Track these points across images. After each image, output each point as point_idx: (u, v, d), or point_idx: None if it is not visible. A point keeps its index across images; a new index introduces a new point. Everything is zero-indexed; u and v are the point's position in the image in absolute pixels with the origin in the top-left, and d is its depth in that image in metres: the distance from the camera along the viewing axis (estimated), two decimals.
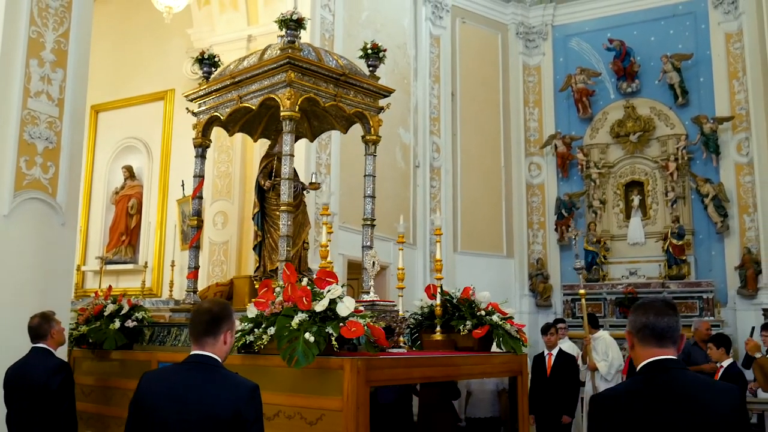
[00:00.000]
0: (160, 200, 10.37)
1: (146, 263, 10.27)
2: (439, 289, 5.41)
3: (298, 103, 5.07)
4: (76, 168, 5.72)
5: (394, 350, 4.81)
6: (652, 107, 12.73)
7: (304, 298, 3.90)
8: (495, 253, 12.98)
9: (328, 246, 5.25)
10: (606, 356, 7.59)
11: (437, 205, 12.05)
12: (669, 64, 12.37)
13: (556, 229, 13.10)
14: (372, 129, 5.61)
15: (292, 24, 5.17)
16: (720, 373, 6.18)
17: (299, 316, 3.85)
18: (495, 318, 5.16)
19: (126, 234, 10.60)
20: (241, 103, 5.43)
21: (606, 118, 13.07)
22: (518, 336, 5.20)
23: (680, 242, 11.73)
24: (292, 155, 5.17)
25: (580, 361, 7.75)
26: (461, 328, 5.16)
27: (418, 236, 11.76)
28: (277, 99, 5.12)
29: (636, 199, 12.61)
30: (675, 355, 2.31)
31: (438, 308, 5.32)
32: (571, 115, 13.41)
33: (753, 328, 9.39)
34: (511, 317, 5.26)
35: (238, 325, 4.07)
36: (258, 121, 6.24)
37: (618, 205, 12.83)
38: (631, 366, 6.44)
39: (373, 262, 5.21)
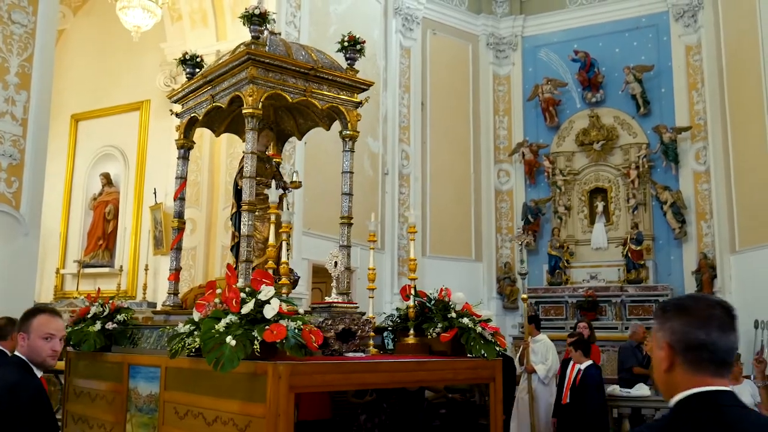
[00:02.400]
0: (135, 206, 10.81)
1: (122, 267, 10.72)
2: (412, 291, 5.09)
3: (261, 99, 4.88)
4: (39, 182, 6.15)
5: (352, 354, 4.55)
6: (616, 116, 13.19)
7: (234, 300, 3.80)
8: (464, 257, 13.43)
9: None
10: (545, 359, 7.76)
11: (406, 210, 12.49)
12: (631, 75, 12.82)
13: (523, 234, 13.54)
14: (349, 124, 5.34)
15: (256, 19, 5.01)
16: (579, 375, 6.73)
17: (227, 319, 3.74)
18: (465, 320, 4.82)
19: (103, 238, 11.04)
20: (213, 102, 5.29)
21: (572, 127, 13.52)
22: (493, 340, 4.84)
23: (639, 247, 12.19)
24: (254, 153, 4.99)
25: (517, 362, 8.09)
26: (430, 331, 4.88)
27: (387, 241, 12.21)
28: (241, 96, 4.96)
29: (600, 206, 13.08)
30: (729, 386, 1.70)
31: (411, 310, 5.04)
32: (539, 124, 13.87)
33: None
34: (486, 320, 4.96)
35: (182, 328, 4.14)
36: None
37: (583, 211, 13.28)
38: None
39: (335, 263, 4.99)
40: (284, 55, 5.04)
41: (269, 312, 3.73)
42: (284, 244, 4.98)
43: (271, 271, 4.47)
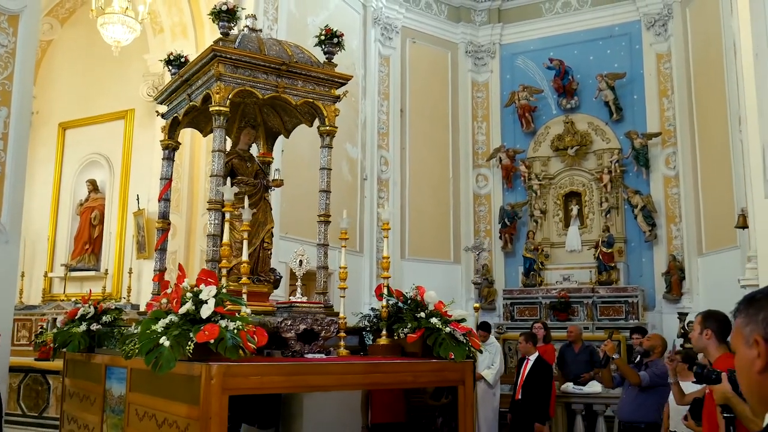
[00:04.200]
0: (120, 212, 11.18)
1: (107, 270, 11.08)
2: (385, 290, 4.95)
3: (229, 96, 4.82)
4: (19, 193, 6.53)
5: (312, 356, 4.43)
6: (590, 122, 13.57)
7: (175, 300, 3.79)
8: (442, 259, 13.81)
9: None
10: (492, 363, 7.90)
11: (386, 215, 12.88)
12: (603, 83, 13.20)
13: (500, 237, 13.93)
14: (327, 119, 5.23)
15: (224, 15, 4.99)
16: (528, 366, 7.15)
17: (167, 319, 3.71)
18: (434, 320, 4.60)
19: (89, 243, 11.40)
20: (190, 101, 5.23)
21: (548, 133, 13.90)
22: (466, 341, 4.61)
23: (609, 250, 12.57)
24: (221, 151, 4.96)
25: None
26: (399, 332, 4.73)
27: (365, 244, 12.58)
28: (210, 94, 4.90)
29: (575, 209, 13.45)
30: None
31: (384, 310, 4.89)
32: (516, 129, 14.25)
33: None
34: (458, 320, 4.72)
35: (134, 329, 4.20)
36: (228, 119, 5.77)
37: (558, 214, 13.66)
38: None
39: (300, 261, 4.82)
40: (255, 51, 4.96)
41: (205, 312, 3.67)
42: (245, 243, 4.80)
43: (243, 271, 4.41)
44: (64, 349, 5.62)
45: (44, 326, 10.49)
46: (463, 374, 4.59)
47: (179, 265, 4.77)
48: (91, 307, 5.67)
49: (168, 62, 5.81)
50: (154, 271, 5.94)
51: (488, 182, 14.38)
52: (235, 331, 3.64)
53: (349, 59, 12.46)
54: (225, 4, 5.00)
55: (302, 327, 4.37)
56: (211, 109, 4.85)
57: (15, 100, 6.42)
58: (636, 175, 13.07)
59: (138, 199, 10.51)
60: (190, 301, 3.76)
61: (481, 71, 14.64)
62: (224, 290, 3.94)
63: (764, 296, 1.50)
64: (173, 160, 5.99)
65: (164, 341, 3.60)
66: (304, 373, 4.01)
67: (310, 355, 4.37)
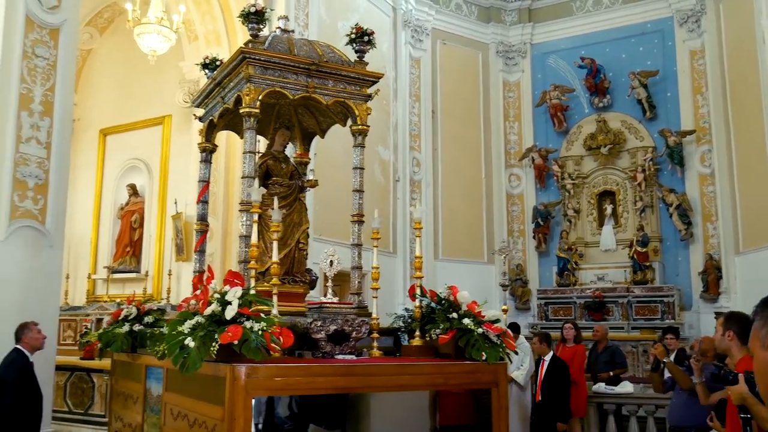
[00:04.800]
0: (159, 215, 11.49)
1: (147, 272, 11.40)
2: (418, 290, 4.89)
3: (259, 98, 4.83)
4: (62, 199, 6.80)
5: (343, 357, 4.41)
6: (623, 121, 13.49)
7: (202, 302, 3.81)
8: (476, 259, 13.86)
9: None
10: (522, 364, 7.81)
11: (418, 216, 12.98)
12: (636, 81, 13.12)
13: (534, 237, 13.93)
14: (358, 118, 5.19)
15: (253, 17, 5.02)
16: (545, 367, 7.16)
17: (193, 320, 3.72)
18: (466, 321, 4.50)
19: (130, 245, 11.74)
20: (224, 103, 5.26)
21: (581, 132, 13.86)
22: (499, 342, 4.49)
23: (644, 249, 12.48)
24: (252, 153, 4.97)
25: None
26: (432, 333, 4.64)
27: (398, 245, 12.70)
28: (241, 96, 4.94)
29: (608, 208, 13.39)
30: None
31: (417, 311, 4.83)
32: (548, 129, 14.24)
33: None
34: (492, 321, 4.60)
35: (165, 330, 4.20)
36: (263, 121, 5.68)
37: (592, 213, 13.61)
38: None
39: (331, 261, 4.81)
40: (285, 51, 4.95)
41: (229, 313, 3.67)
42: (275, 244, 4.72)
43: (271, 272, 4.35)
44: (109, 349, 5.67)
45: (88, 326, 10.85)
46: (496, 376, 4.47)
47: (208, 266, 4.78)
48: (134, 308, 5.75)
49: (204, 66, 5.89)
50: (194, 272, 5.89)
51: (521, 182, 14.38)
52: (260, 332, 3.62)
53: (380, 62, 12.60)
54: (254, 6, 5.06)
55: (332, 328, 4.36)
56: (241, 111, 4.88)
57: (57, 111, 6.69)
58: (671, 174, 12.96)
59: (176, 203, 10.80)
60: (216, 302, 3.77)
61: (513, 71, 14.65)
62: (253, 291, 3.96)
63: None
64: (210, 163, 6.02)
65: (189, 342, 3.61)
66: (329, 375, 3.96)
67: (340, 356, 4.34)
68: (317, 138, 6.13)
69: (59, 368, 9.74)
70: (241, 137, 5.73)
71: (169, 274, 10.95)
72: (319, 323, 4.33)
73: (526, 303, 13.80)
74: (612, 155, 13.46)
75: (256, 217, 4.67)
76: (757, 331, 1.54)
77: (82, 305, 11.62)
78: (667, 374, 6.75)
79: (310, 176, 5.89)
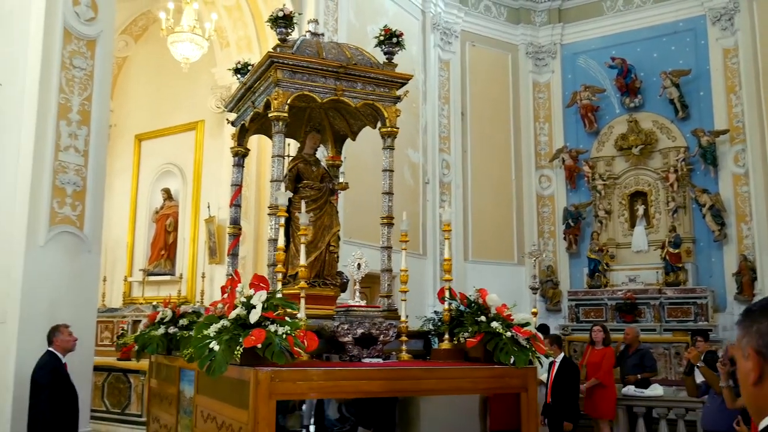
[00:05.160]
0: (192, 219, 11.72)
1: (181, 275, 11.63)
2: (447, 293, 4.82)
3: (288, 102, 4.84)
4: (99, 205, 7.00)
5: (369, 360, 4.39)
6: (655, 121, 13.37)
7: (227, 305, 3.84)
8: (506, 261, 13.85)
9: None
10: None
11: (448, 217, 13.03)
12: (668, 80, 12.99)
13: (564, 238, 13.88)
14: (388, 120, 5.18)
15: (281, 21, 5.04)
16: (555, 368, 7.19)
17: (218, 324, 3.75)
18: (495, 325, 4.43)
19: (165, 249, 11.99)
20: (254, 107, 5.30)
21: (612, 132, 13.77)
22: (529, 346, 4.42)
23: (676, 250, 12.37)
24: (281, 156, 4.97)
25: None
26: (460, 336, 4.57)
27: (428, 247, 12.76)
28: (270, 100, 4.95)
29: (640, 209, 13.28)
30: None
31: (446, 314, 4.77)
32: (578, 130, 14.17)
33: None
34: (521, 324, 4.51)
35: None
36: (294, 124, 5.81)
37: (623, 214, 13.51)
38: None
39: (358, 264, 4.76)
40: (314, 55, 4.97)
41: (253, 317, 3.68)
42: (303, 247, 4.66)
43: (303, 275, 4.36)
44: (145, 351, 5.73)
45: (124, 328, 11.11)
46: (525, 380, 4.36)
47: (235, 270, 4.87)
48: (169, 311, 5.80)
49: (236, 71, 5.95)
50: (226, 275, 5.77)
51: (551, 183, 14.34)
52: (283, 336, 3.63)
53: (409, 65, 12.66)
54: (281, 10, 5.09)
55: (359, 331, 4.35)
56: (269, 115, 4.89)
57: (94, 119, 6.89)
58: (703, 174, 12.82)
59: (209, 207, 11.00)
60: (240, 305, 3.78)
61: (543, 72, 14.62)
62: (280, 294, 3.99)
63: (759, 308, 1.50)
64: (243, 167, 6.06)
65: (214, 346, 3.63)
66: (352, 379, 3.94)
67: (367, 360, 4.31)
68: (348, 140, 6.13)
69: (97, 369, 10.00)
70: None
71: (203, 277, 11.16)
72: (345, 327, 4.33)
73: (557, 304, 13.75)
74: (644, 155, 13.35)
75: (282, 220, 4.62)
76: (738, 341, 1.51)
77: (119, 307, 11.89)
78: (700, 378, 6.73)
79: (340, 179, 5.94)
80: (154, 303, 11.07)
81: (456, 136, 13.58)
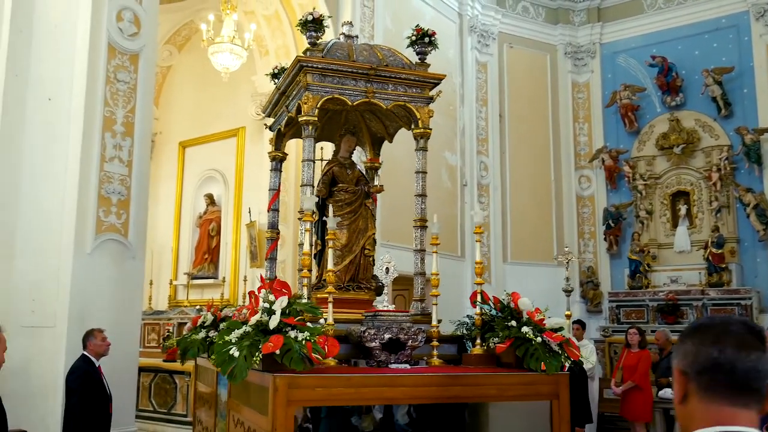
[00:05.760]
0: (234, 224, 12.00)
1: (224, 278, 11.92)
2: (479, 296, 4.77)
3: (317, 106, 4.84)
4: (143, 214, 7.27)
5: (396, 366, 4.30)
6: (697, 119, 13.17)
7: (249, 311, 3.87)
8: (545, 262, 13.80)
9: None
10: (588, 358, 7.92)
11: (486, 219, 13.08)
12: (710, 78, 12.79)
13: (605, 239, 13.77)
14: (420, 121, 5.13)
15: (311, 25, 5.03)
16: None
17: (241, 330, 3.76)
18: (525, 330, 4.33)
19: (208, 253, 12.31)
20: (288, 112, 5.28)
21: (652, 131, 13.61)
22: (562, 351, 4.32)
23: (720, 251, 12.17)
24: (311, 161, 4.95)
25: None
26: (490, 341, 4.52)
27: (467, 249, 12.81)
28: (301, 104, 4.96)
29: (683, 209, 13.09)
30: (757, 427, 1.45)
31: (478, 318, 4.72)
32: (619, 129, 14.04)
33: None
34: (554, 329, 4.43)
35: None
36: (331, 127, 5.95)
37: (665, 214, 13.34)
38: None
39: (387, 269, 4.68)
40: (344, 58, 4.95)
41: (272, 322, 3.68)
42: (330, 251, 4.65)
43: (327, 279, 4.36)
44: (187, 354, 5.79)
45: (170, 330, 11.44)
46: (557, 387, 4.22)
47: (260, 276, 4.95)
48: (210, 315, 5.85)
49: (273, 76, 6.01)
50: (267, 279, 5.63)
51: (591, 183, 14.24)
52: (303, 341, 3.62)
53: (446, 68, 12.70)
54: (311, 14, 5.10)
55: (387, 336, 4.28)
56: (300, 119, 4.89)
57: (137, 130, 7.17)
58: (747, 172, 12.57)
59: (249, 212, 11.26)
60: (260, 311, 3.80)
61: (582, 72, 14.52)
62: (306, 299, 4.02)
63: (688, 329, 1.55)
64: (281, 171, 6.06)
65: (234, 352, 3.64)
66: (373, 386, 3.88)
67: (394, 366, 4.25)
68: (385, 142, 6.10)
69: (144, 370, 10.39)
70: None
71: (245, 280, 11.43)
72: (372, 331, 4.28)
73: (598, 306, 13.65)
74: (685, 155, 13.16)
75: (308, 225, 4.65)
76: (679, 372, 1.50)
77: (165, 309, 12.24)
78: None
79: (376, 181, 5.93)
80: (198, 306, 11.40)
81: (494, 138, 13.60)
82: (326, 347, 3.74)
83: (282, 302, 3.81)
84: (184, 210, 12.89)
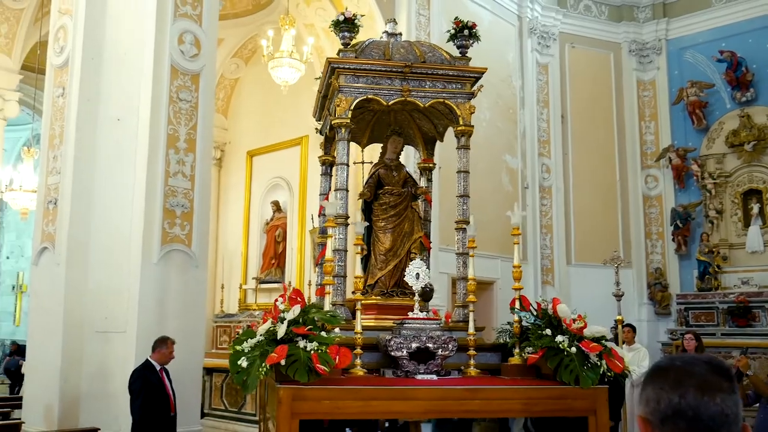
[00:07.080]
0: (299, 230, 12.40)
1: (290, 282, 12.33)
2: (517, 303, 4.56)
3: (351, 107, 4.70)
4: (205, 225, 7.68)
5: (423, 377, 4.11)
6: None
7: (265, 320, 3.86)
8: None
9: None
10: (642, 362, 7.95)
11: (549, 222, 13.04)
12: None
13: (673, 240, 13.48)
14: (461, 118, 4.90)
15: (344, 26, 4.93)
16: None
17: (254, 339, 3.72)
18: (560, 339, 4.09)
19: (275, 258, 12.75)
20: (329, 115, 5.16)
21: (722, 128, 13.23)
22: (601, 363, 4.03)
23: None
24: (344, 165, 4.83)
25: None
26: (524, 352, 4.33)
27: (529, 252, 12.80)
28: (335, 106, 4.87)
29: (755, 208, 12.69)
30: None
31: (516, 326, 4.49)
32: (686, 127, 13.71)
33: None
34: (593, 338, 4.17)
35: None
36: (380, 129, 5.85)
37: (736, 214, 12.96)
38: None
39: (417, 274, 4.48)
40: (380, 56, 4.81)
41: (279, 332, 3.61)
42: (359, 257, 4.61)
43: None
44: None
45: (239, 333, 11.92)
46: (594, 402, 3.92)
47: (283, 284, 5.13)
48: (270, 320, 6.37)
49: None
50: (316, 285, 6.00)
51: (658, 183, 13.96)
52: (310, 352, 3.53)
53: (506, 71, 12.79)
54: (343, 14, 5.00)
55: (414, 345, 4.09)
56: (333, 122, 4.79)
57: (199, 146, 7.60)
58: None
59: (312, 218, 11.62)
60: (270, 321, 3.76)
61: (647, 69, 14.25)
62: (329, 306, 4.03)
63: (650, 372, 1.45)
64: (330, 176, 5.84)
65: (242, 362, 3.63)
66: (383, 399, 3.71)
67: (421, 377, 4.07)
68: (439, 144, 5.89)
69: (216, 371, 10.91)
70: (362, 147, 6.05)
71: (309, 285, 11.79)
72: (399, 340, 4.10)
73: (666, 308, 13.38)
74: (757, 152, 12.74)
75: (331, 231, 4.53)
76: (642, 420, 1.41)
77: (235, 313, 12.76)
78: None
79: (432, 183, 5.77)
80: (251, 310, 11.82)
81: (556, 140, 13.53)
82: (337, 357, 3.63)
83: (295, 311, 3.74)
84: (253, 216, 13.38)
